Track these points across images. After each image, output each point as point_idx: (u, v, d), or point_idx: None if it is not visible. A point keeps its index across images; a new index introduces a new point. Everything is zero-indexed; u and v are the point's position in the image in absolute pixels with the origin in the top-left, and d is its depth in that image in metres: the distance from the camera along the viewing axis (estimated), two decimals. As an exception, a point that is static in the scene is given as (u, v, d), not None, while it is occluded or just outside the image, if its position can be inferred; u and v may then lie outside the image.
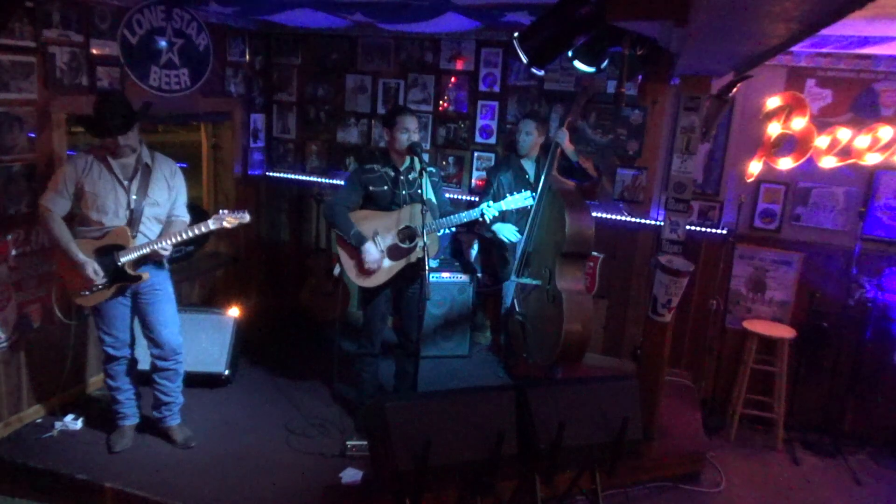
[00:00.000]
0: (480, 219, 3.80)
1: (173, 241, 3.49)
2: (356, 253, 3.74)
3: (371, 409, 3.91)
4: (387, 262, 3.77)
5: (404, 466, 2.71)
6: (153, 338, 3.69)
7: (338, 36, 5.39)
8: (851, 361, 4.52)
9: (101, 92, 3.95)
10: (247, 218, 3.62)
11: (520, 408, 2.96)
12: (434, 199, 3.81)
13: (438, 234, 3.82)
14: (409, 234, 3.75)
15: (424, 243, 3.55)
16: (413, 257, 3.75)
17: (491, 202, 3.84)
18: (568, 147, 4.16)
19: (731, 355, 4.81)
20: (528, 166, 4.43)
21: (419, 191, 3.68)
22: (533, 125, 4.38)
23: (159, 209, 3.56)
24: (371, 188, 3.77)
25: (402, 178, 3.78)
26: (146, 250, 3.45)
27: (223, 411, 4.22)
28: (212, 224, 3.53)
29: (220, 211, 3.60)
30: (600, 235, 4.61)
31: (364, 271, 3.75)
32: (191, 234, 3.51)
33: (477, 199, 4.79)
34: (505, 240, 4.40)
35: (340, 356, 4.44)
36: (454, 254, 5.35)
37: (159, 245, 3.45)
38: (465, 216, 3.75)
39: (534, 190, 4.16)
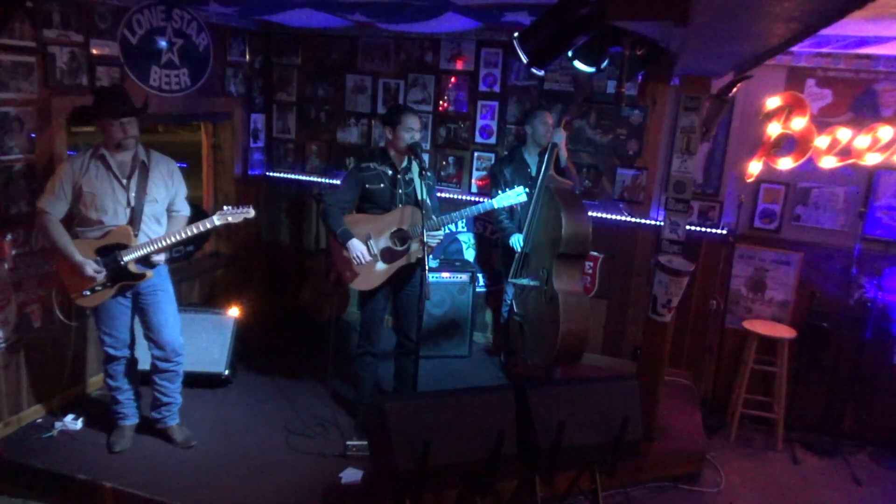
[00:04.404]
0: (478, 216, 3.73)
1: (174, 240, 3.49)
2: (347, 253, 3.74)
3: (371, 409, 3.91)
4: (381, 266, 3.76)
5: (404, 466, 2.71)
6: (155, 339, 3.69)
7: (338, 36, 5.39)
8: (851, 361, 4.52)
9: (101, 87, 4.00)
10: (251, 213, 3.63)
11: (520, 408, 2.95)
12: (429, 201, 3.78)
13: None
14: (402, 238, 3.74)
15: (425, 244, 3.54)
16: (406, 260, 3.75)
17: (464, 210, 3.77)
18: (562, 149, 4.16)
19: (731, 355, 4.81)
20: (531, 160, 4.43)
21: (414, 192, 3.69)
22: (549, 115, 4.38)
23: (158, 207, 3.56)
24: (367, 186, 3.76)
25: (399, 177, 3.77)
26: (149, 249, 3.45)
27: (223, 411, 4.22)
28: (217, 220, 3.53)
29: (225, 207, 3.60)
30: (600, 235, 4.62)
31: (359, 270, 3.74)
32: (195, 230, 3.52)
33: (482, 199, 4.78)
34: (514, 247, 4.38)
35: (336, 356, 4.44)
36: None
37: (157, 247, 3.46)
38: (457, 216, 3.70)
39: (534, 184, 4.15)
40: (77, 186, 3.39)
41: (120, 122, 3.34)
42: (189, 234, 3.50)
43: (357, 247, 3.68)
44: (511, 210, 4.45)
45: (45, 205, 3.38)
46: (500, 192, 3.89)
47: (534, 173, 4.35)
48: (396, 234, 3.74)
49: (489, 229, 5.23)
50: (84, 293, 3.45)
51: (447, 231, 5.22)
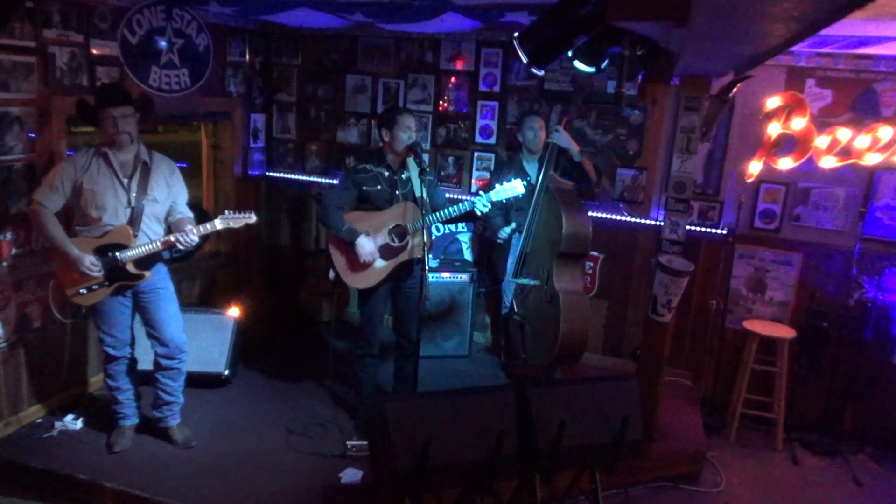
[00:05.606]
0: (475, 211, 3.64)
1: (201, 231, 3.48)
2: (349, 252, 3.73)
3: (371, 409, 3.91)
4: (379, 263, 3.76)
5: (404, 466, 2.71)
6: (158, 336, 3.69)
7: (338, 36, 5.39)
8: (851, 361, 4.52)
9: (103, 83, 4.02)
10: (253, 218, 3.61)
11: (520, 408, 2.95)
12: (427, 198, 3.76)
13: (435, 235, 3.79)
14: (399, 233, 3.74)
15: (424, 244, 3.53)
16: (406, 255, 3.74)
17: (482, 192, 3.73)
18: (570, 143, 4.14)
19: (731, 355, 4.81)
20: (531, 167, 4.42)
21: (412, 191, 3.70)
22: (539, 121, 4.38)
23: (159, 207, 3.56)
24: (364, 188, 3.75)
25: (396, 177, 3.77)
26: (147, 248, 3.45)
27: (223, 411, 4.22)
28: (218, 224, 3.53)
29: (226, 211, 3.60)
30: (600, 235, 4.62)
31: (358, 269, 3.73)
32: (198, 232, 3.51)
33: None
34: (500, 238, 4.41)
35: (335, 356, 4.42)
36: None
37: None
38: (455, 210, 3.65)
39: (534, 188, 4.14)
40: (78, 184, 3.39)
41: (113, 116, 3.33)
42: (196, 232, 3.49)
43: (365, 245, 3.66)
44: (506, 216, 4.45)
45: (41, 197, 3.37)
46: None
47: (534, 180, 4.34)
48: (394, 231, 3.74)
49: (489, 229, 5.24)
50: (80, 291, 3.44)
51: (447, 231, 5.23)
